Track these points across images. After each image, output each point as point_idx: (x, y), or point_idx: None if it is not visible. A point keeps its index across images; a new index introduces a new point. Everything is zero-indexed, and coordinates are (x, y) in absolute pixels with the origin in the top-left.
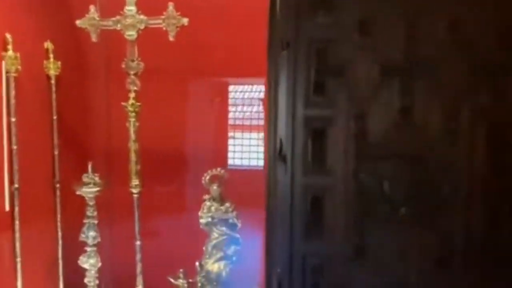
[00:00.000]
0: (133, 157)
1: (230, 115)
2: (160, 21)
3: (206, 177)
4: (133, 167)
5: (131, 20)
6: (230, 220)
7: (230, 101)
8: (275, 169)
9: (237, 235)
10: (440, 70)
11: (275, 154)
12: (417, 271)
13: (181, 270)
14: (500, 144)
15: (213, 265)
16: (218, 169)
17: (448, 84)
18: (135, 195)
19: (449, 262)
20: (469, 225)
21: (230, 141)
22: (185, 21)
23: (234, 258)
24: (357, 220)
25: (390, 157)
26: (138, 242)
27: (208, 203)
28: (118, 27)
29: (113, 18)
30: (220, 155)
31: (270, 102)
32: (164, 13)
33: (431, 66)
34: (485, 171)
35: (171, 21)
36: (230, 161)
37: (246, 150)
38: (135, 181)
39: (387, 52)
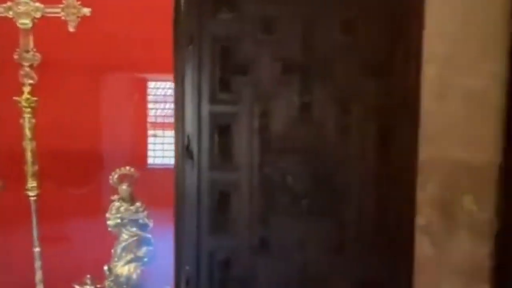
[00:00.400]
0: (29, 157)
1: (151, 112)
2: (58, 10)
3: (114, 176)
4: (30, 168)
5: (24, 7)
6: (141, 220)
7: (149, 98)
8: (182, 165)
9: (149, 236)
10: (335, 70)
11: (183, 150)
12: (316, 258)
13: (88, 276)
14: (388, 139)
15: (123, 268)
16: (128, 167)
17: (342, 83)
18: (32, 198)
19: (344, 249)
20: (361, 214)
21: (151, 140)
22: (86, 11)
23: (145, 259)
24: (262, 212)
25: (292, 152)
26: (37, 249)
27: (117, 204)
28: (10, 14)
29: (4, 5)
30: (138, 154)
31: (177, 98)
32: (64, 1)
33: (327, 65)
34: (374, 163)
35: (71, 10)
36: (150, 160)
37: (168, 149)
38: (31, 183)
39: (288, 51)
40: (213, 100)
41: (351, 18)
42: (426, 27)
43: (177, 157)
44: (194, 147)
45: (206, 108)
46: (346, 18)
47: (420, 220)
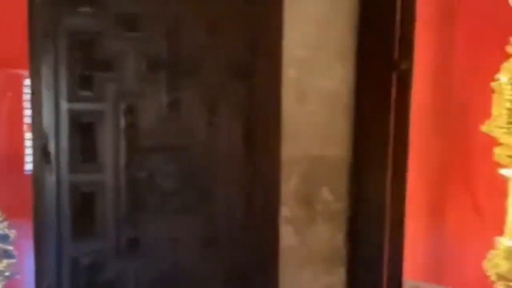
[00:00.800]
0: None
1: (29, 113)
2: None
3: None
4: None
5: None
6: (0, 231)
7: (28, 97)
8: (40, 168)
9: (10, 247)
10: (202, 69)
11: (40, 152)
12: (187, 255)
13: None
14: (252, 137)
15: None
16: None
17: (208, 82)
18: None
19: (214, 244)
20: (230, 209)
21: (29, 143)
22: None
23: (7, 273)
24: (129, 213)
25: (160, 150)
26: None
27: None
28: None
29: None
30: (14, 159)
31: (33, 95)
32: None
33: (193, 64)
34: (241, 160)
35: None
36: (29, 166)
37: None
38: None
39: (153, 48)
40: (72, 97)
41: (215, 18)
42: (285, 32)
43: (35, 159)
44: (52, 148)
45: (64, 105)
46: (211, 18)
47: (285, 212)
